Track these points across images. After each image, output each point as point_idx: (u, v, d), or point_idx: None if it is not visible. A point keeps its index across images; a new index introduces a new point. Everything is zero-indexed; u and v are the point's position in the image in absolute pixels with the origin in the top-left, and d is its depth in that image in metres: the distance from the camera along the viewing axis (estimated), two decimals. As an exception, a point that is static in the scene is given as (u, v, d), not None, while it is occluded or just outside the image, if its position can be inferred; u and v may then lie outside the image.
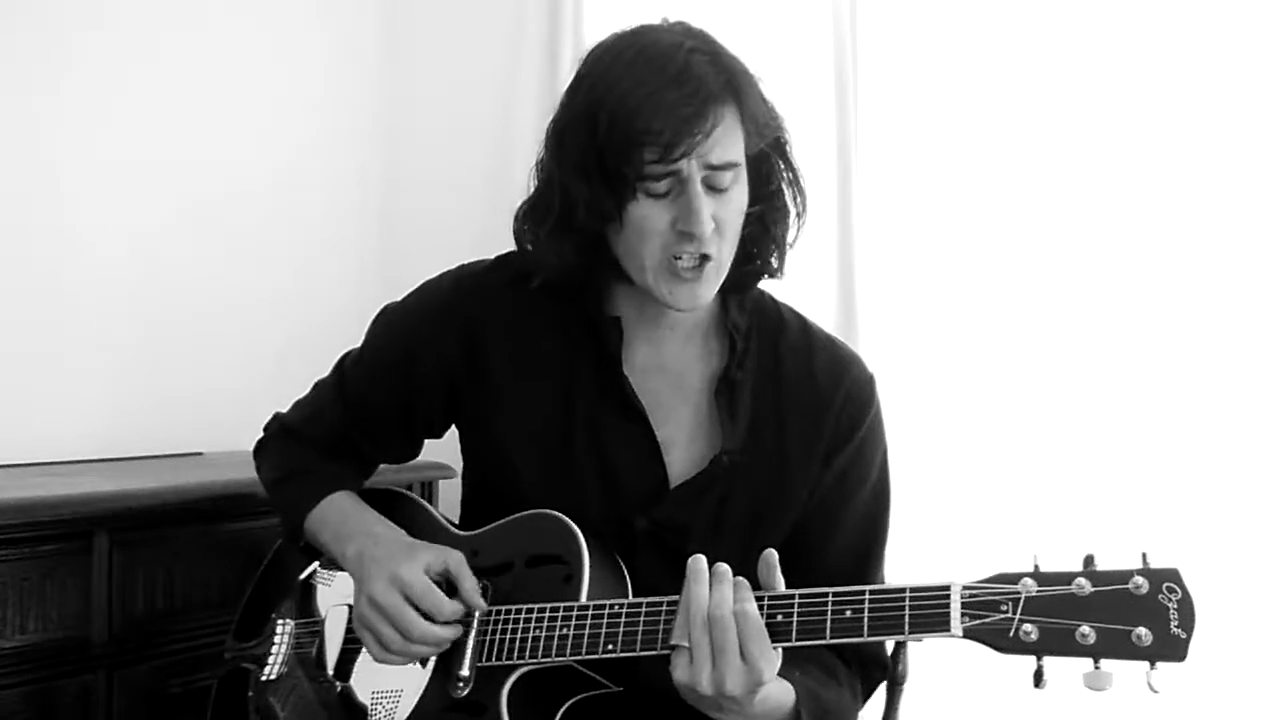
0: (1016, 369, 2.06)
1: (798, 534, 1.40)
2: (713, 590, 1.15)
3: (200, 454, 2.30)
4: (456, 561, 1.34)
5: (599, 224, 1.31)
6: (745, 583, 1.15)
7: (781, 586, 1.17)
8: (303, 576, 1.53)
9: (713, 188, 1.27)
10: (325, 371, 1.59)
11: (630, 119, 1.23)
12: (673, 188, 1.27)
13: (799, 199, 1.39)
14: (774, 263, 1.41)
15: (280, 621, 1.51)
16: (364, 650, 1.37)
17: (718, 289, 1.34)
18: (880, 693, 1.47)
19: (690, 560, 1.17)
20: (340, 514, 1.46)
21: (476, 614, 1.30)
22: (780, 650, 1.14)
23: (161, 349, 2.31)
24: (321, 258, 2.63)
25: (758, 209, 1.35)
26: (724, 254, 1.31)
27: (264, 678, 1.48)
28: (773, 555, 1.18)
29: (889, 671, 1.46)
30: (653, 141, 1.23)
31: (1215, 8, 1.91)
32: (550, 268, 1.38)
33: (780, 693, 1.21)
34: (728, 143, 1.27)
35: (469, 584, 1.32)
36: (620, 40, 1.33)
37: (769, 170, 1.36)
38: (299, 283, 2.57)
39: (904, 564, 1.54)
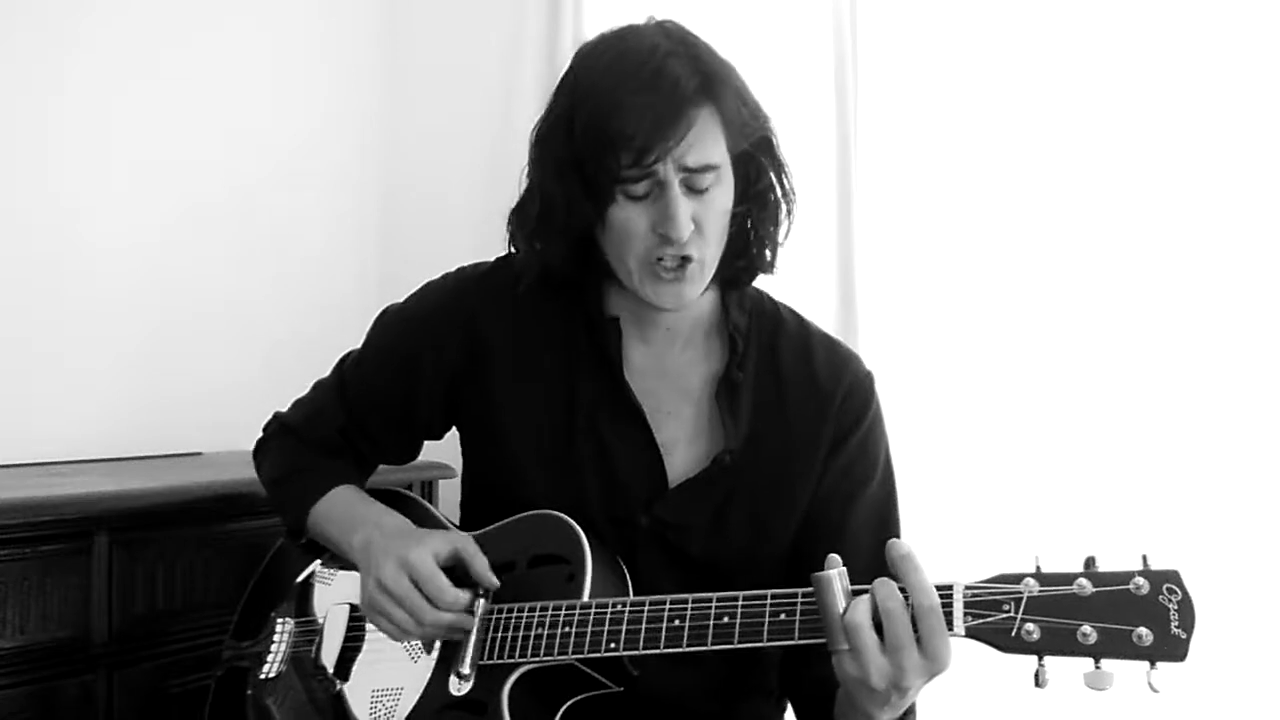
0: (1017, 370, 2.05)
1: (807, 534, 1.40)
2: (876, 586, 1.09)
3: (200, 454, 2.30)
4: (464, 544, 1.33)
5: (579, 226, 1.31)
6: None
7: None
8: (303, 576, 1.53)
9: (692, 189, 1.27)
10: (325, 372, 1.59)
11: (604, 123, 1.24)
12: (651, 190, 1.26)
13: (788, 195, 1.39)
14: (766, 259, 1.41)
15: (280, 620, 1.51)
16: (364, 649, 1.37)
17: (705, 286, 1.34)
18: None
19: (816, 576, 1.11)
20: (346, 506, 1.46)
21: (479, 610, 1.29)
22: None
23: (161, 349, 2.32)
24: (321, 258, 2.63)
25: (744, 208, 1.35)
26: (707, 254, 1.31)
27: (263, 676, 1.48)
28: (903, 545, 1.12)
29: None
30: (626, 145, 1.23)
31: (1215, 7, 1.91)
32: (532, 270, 1.39)
33: None
34: (705, 144, 1.26)
35: (480, 563, 1.32)
36: (601, 42, 1.33)
37: (756, 170, 1.35)
38: (299, 283, 2.57)
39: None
